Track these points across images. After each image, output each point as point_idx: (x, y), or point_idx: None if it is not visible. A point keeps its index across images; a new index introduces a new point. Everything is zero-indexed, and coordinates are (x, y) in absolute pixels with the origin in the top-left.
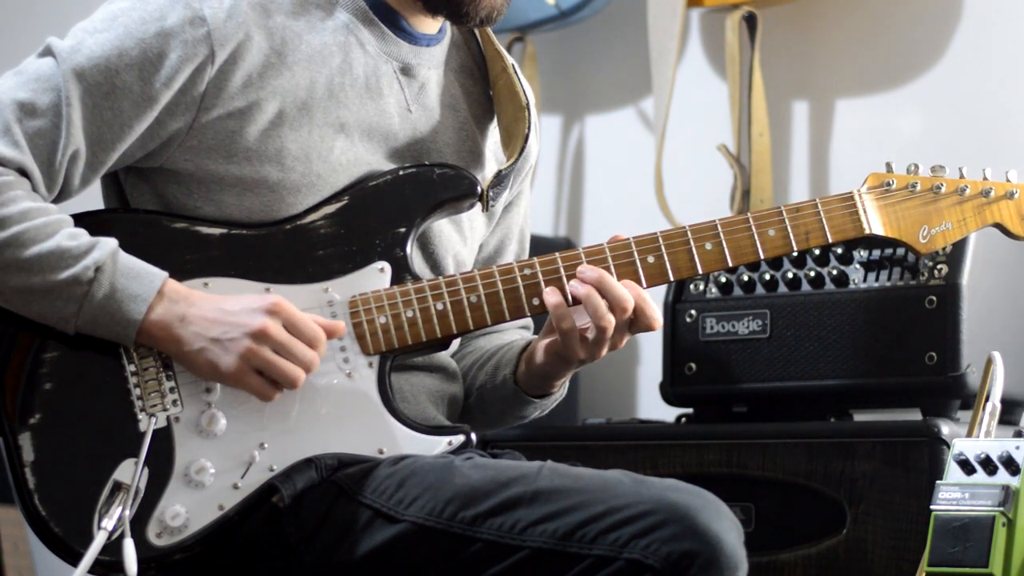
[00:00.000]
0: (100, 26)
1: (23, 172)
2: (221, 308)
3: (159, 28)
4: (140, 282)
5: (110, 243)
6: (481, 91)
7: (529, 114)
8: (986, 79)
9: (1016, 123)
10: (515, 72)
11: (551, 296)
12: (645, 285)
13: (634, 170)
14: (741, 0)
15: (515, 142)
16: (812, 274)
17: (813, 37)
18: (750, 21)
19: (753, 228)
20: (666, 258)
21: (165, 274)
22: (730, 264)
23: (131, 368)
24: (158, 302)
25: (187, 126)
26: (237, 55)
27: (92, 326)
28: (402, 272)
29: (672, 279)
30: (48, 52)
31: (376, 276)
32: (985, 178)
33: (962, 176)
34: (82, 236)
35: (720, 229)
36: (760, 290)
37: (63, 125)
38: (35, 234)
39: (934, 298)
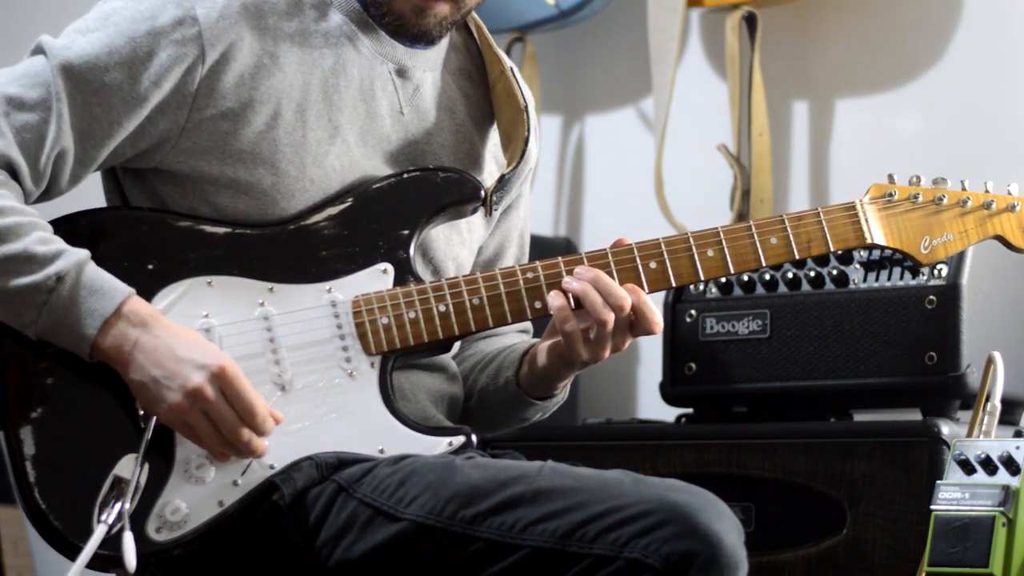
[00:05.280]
0: (92, 25)
1: (9, 165)
2: (172, 349)
3: (150, 27)
4: (100, 298)
5: (78, 253)
6: (480, 94)
7: (528, 117)
8: (986, 79)
9: (1016, 123)
10: (514, 75)
11: (555, 298)
12: (647, 290)
13: (634, 170)
14: (741, 0)
15: (515, 145)
16: (812, 274)
17: (813, 37)
18: (750, 21)
19: (755, 236)
20: (668, 264)
21: (130, 292)
22: (732, 271)
23: None
24: (115, 321)
25: (180, 126)
26: (229, 55)
27: (51, 335)
28: (404, 274)
29: (674, 285)
30: (39, 50)
31: (379, 277)
32: (987, 190)
33: (964, 188)
34: (53, 243)
35: (722, 236)
36: (760, 290)
37: (52, 119)
38: (4, 234)
39: (934, 298)
